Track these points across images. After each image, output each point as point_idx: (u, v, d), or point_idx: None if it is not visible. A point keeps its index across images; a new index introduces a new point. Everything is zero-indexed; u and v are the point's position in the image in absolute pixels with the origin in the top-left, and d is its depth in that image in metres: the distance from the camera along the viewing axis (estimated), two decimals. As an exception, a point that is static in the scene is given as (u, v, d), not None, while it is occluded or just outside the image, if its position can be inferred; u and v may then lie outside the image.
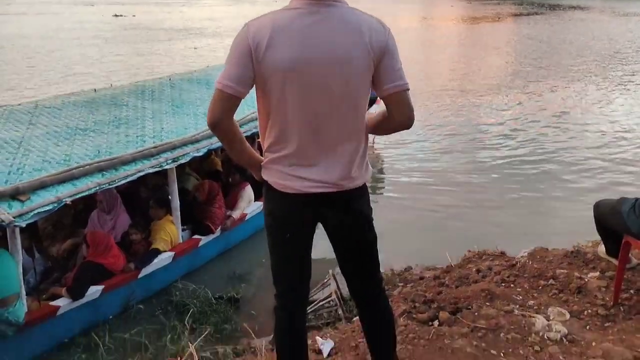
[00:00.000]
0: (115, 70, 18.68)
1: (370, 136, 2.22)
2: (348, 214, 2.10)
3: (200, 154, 5.69)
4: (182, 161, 5.47)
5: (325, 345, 2.98)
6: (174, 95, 6.71)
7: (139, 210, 5.92)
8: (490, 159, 9.94)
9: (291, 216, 2.10)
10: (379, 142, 10.85)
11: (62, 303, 4.72)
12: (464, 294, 3.43)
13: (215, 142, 5.71)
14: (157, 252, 5.46)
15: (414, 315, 3.23)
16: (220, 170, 7.20)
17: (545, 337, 2.90)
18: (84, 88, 7.85)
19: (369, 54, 1.94)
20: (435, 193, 8.48)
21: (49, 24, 33.13)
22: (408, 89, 2.02)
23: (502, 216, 7.45)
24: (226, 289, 5.57)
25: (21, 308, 4.34)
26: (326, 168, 2.02)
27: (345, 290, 4.75)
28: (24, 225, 4.15)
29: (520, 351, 2.80)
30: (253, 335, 4.12)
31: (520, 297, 3.35)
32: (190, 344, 3.62)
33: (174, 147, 5.41)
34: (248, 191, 6.60)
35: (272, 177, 2.09)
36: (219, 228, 6.13)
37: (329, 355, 2.92)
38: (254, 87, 2.02)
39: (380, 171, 9.65)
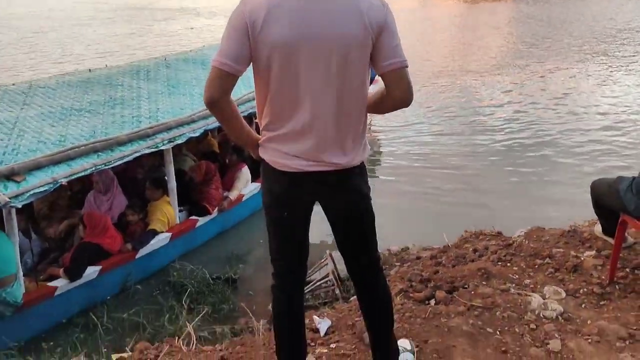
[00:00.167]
0: (112, 51, 18.52)
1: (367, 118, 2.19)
2: (346, 193, 2.09)
3: (197, 134, 5.66)
4: (179, 142, 5.45)
5: (323, 324, 2.99)
6: (169, 76, 6.65)
7: (135, 191, 5.91)
8: (488, 140, 9.90)
9: (289, 195, 2.09)
10: (376, 123, 10.80)
11: (60, 283, 4.73)
12: (461, 273, 3.44)
13: (211, 123, 5.69)
14: (154, 232, 5.46)
15: (411, 294, 3.24)
16: (217, 151, 7.17)
17: (541, 315, 2.92)
18: (78, 69, 7.78)
19: (367, 30, 1.91)
20: (432, 174, 8.46)
21: (42, 3, 32.70)
22: (406, 66, 1.99)
23: (499, 197, 7.46)
24: (224, 270, 5.59)
25: (19, 288, 4.35)
26: (324, 146, 2.00)
27: (342, 271, 4.77)
28: (19, 206, 4.14)
29: (516, 329, 2.81)
30: (251, 315, 4.12)
31: (517, 276, 3.36)
32: (188, 324, 3.63)
33: (169, 128, 5.38)
34: (245, 172, 6.58)
35: (270, 155, 2.07)
36: (216, 209, 6.13)
37: (326, 334, 2.93)
38: (251, 67, 1.99)
39: (378, 152, 9.63)
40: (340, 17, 1.90)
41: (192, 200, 6.14)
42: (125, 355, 3.07)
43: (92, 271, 4.93)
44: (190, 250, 5.96)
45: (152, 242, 5.41)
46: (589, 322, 2.85)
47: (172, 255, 5.65)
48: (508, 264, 3.55)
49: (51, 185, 4.33)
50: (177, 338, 3.19)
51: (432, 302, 3.14)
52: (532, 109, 11.65)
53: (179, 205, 5.86)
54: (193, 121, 5.61)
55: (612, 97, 12.44)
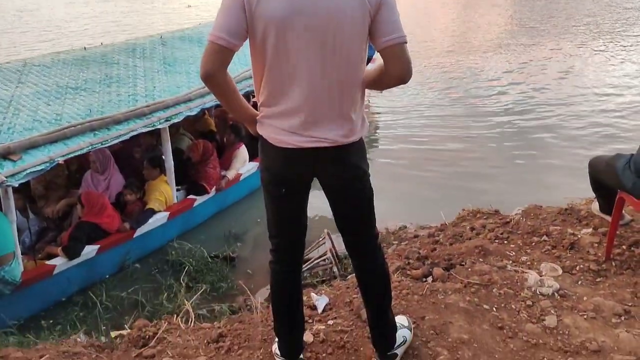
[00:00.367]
0: (109, 30, 18.32)
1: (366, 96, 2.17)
2: (344, 169, 2.08)
3: (194, 113, 5.63)
4: (175, 120, 5.42)
5: (320, 301, 3.00)
6: (165, 54, 6.59)
7: (133, 170, 5.89)
8: (488, 120, 9.85)
9: (287, 171, 2.08)
10: (374, 102, 10.75)
11: (59, 262, 4.74)
12: (458, 251, 3.45)
13: (208, 101, 5.65)
14: (152, 212, 5.46)
15: (408, 272, 3.26)
16: (214, 130, 7.14)
17: (538, 292, 2.93)
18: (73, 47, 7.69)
19: (364, 5, 1.88)
20: (431, 154, 8.45)
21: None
22: (405, 42, 1.96)
23: (498, 176, 7.45)
24: (222, 249, 5.60)
25: (17, 267, 4.36)
26: (322, 122, 1.99)
27: (340, 249, 4.79)
28: (16, 184, 4.13)
29: (513, 306, 2.83)
30: (249, 292, 4.15)
31: (514, 254, 3.38)
32: (186, 302, 3.65)
33: (166, 106, 5.35)
34: (242, 151, 6.56)
35: (268, 132, 2.06)
36: (214, 188, 6.12)
37: (323, 311, 2.95)
38: (248, 43, 1.96)
39: (377, 131, 9.60)
40: None
41: (189, 179, 6.13)
42: (124, 332, 3.09)
43: (90, 250, 4.94)
44: (188, 230, 5.97)
45: (150, 221, 5.41)
46: (585, 298, 2.87)
47: (170, 234, 5.66)
48: (505, 242, 3.56)
49: (48, 164, 4.32)
50: (175, 316, 3.21)
51: (429, 279, 3.15)
52: (533, 90, 11.58)
53: (176, 185, 5.85)
54: (190, 100, 5.57)
55: (615, 77, 12.33)
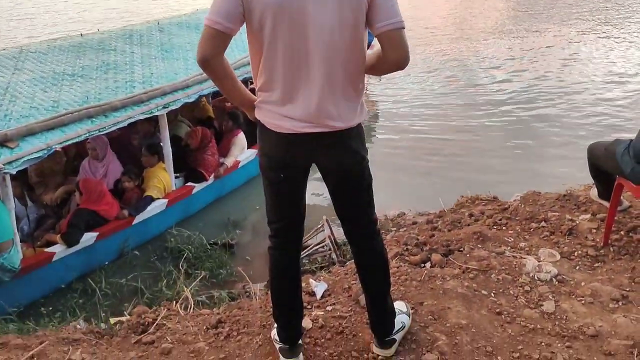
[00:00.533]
0: (108, 17, 18.18)
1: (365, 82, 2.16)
2: (343, 154, 2.07)
3: (192, 99, 5.61)
4: (173, 107, 5.40)
5: (319, 287, 3.01)
6: (163, 40, 6.55)
7: (131, 158, 5.88)
8: (488, 107, 9.80)
9: (285, 156, 2.07)
10: (373, 89, 10.71)
11: (58, 249, 4.76)
12: (456, 237, 3.45)
13: (206, 88, 5.63)
14: (151, 199, 5.46)
15: (407, 258, 3.26)
16: (212, 117, 7.11)
17: (536, 277, 2.94)
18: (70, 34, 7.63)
19: (362, -11, 1.86)
20: (430, 140, 8.43)
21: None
22: (403, 27, 1.94)
23: (496, 163, 7.44)
24: (221, 235, 5.61)
25: (16, 254, 4.36)
26: (319, 108, 1.98)
27: (338, 236, 4.80)
28: (14, 172, 4.13)
29: (511, 291, 2.84)
30: (248, 279, 4.17)
31: (512, 239, 3.38)
32: (185, 288, 3.66)
33: (164, 93, 5.32)
34: (241, 138, 6.54)
35: (265, 116, 2.05)
36: (212, 175, 6.11)
37: (322, 297, 2.95)
38: (246, 31, 1.95)
39: (375, 117, 9.57)
40: None
41: (188, 166, 6.12)
42: (123, 319, 3.10)
43: (89, 237, 4.94)
44: (187, 217, 5.97)
45: (148, 208, 5.41)
46: (582, 283, 2.88)
47: (169, 221, 5.66)
48: (503, 228, 3.56)
49: (45, 152, 4.30)
50: (174, 302, 3.22)
51: (428, 265, 3.15)
52: (533, 76, 11.50)
53: (174, 172, 5.84)
54: (187, 86, 5.54)
55: (615, 64, 12.24)
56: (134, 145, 6.10)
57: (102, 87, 5.21)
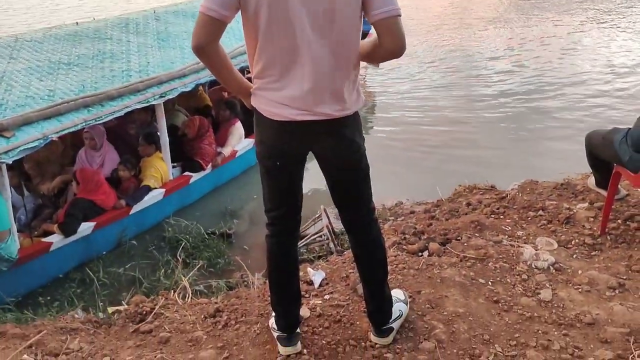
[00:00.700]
0: (105, 5, 18.04)
1: (362, 71, 2.14)
2: (340, 142, 2.06)
3: (188, 89, 5.58)
4: (170, 96, 5.37)
5: (317, 276, 3.01)
6: (159, 29, 6.50)
7: (127, 147, 5.85)
8: (485, 96, 9.76)
9: (282, 144, 2.07)
10: (371, 79, 10.66)
11: (55, 239, 4.74)
12: (454, 226, 3.45)
13: (203, 77, 5.60)
14: (148, 188, 5.45)
15: (404, 247, 3.26)
16: (209, 106, 7.08)
17: (533, 266, 2.95)
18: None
19: (358, -23, 1.85)
20: (427, 130, 8.40)
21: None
22: (399, 15, 1.93)
23: (494, 152, 7.42)
24: (218, 225, 5.61)
25: (13, 244, 4.35)
26: (315, 96, 1.97)
27: (336, 225, 4.80)
28: (10, 161, 4.10)
29: (508, 280, 2.85)
30: (246, 268, 4.17)
31: (509, 228, 3.38)
32: (183, 278, 3.66)
33: (160, 82, 5.29)
34: (238, 127, 6.52)
35: (262, 104, 2.04)
36: (210, 165, 6.09)
37: (320, 285, 2.96)
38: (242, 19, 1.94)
39: (373, 106, 9.54)
40: None
41: (185, 156, 6.10)
42: (121, 308, 3.10)
43: (86, 227, 4.93)
44: (184, 206, 5.96)
45: (146, 198, 5.40)
46: (580, 272, 2.89)
47: (166, 211, 5.65)
48: (501, 217, 3.56)
49: (41, 141, 4.28)
50: (172, 291, 3.22)
51: (425, 254, 3.16)
52: (532, 65, 11.42)
53: (172, 161, 5.82)
54: (184, 75, 5.51)
55: (614, 55, 12.18)
56: (130, 134, 6.07)
57: (99, 76, 5.18)
